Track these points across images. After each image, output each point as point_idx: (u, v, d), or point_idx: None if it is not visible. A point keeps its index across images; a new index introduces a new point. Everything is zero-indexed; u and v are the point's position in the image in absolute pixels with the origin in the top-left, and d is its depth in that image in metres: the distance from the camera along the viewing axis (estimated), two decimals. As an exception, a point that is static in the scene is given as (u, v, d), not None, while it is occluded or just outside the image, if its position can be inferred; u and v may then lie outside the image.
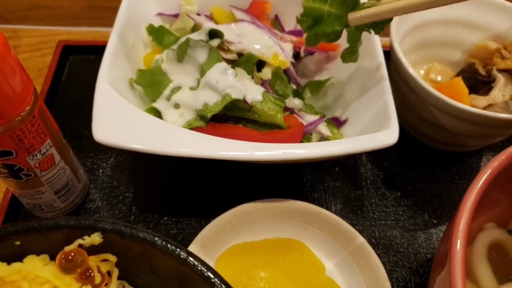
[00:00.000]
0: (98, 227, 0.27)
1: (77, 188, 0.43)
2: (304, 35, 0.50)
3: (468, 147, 0.49)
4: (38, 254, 0.28)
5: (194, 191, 0.46)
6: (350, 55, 0.41)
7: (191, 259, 0.26)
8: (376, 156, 0.49)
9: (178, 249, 0.26)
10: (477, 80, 0.47)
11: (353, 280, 0.39)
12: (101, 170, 0.47)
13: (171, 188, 0.46)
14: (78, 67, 0.56)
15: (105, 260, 0.28)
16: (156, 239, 0.26)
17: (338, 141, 0.36)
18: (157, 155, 0.46)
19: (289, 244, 0.40)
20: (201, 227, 0.39)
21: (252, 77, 0.44)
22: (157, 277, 0.29)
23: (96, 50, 0.55)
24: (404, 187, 0.47)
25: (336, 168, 0.48)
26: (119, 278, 0.29)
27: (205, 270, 0.25)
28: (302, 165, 0.48)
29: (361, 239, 0.39)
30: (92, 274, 0.27)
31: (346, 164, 0.48)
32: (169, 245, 0.26)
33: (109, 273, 0.29)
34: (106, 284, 0.29)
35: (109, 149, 0.49)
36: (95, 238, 0.27)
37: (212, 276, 0.25)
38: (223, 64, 0.41)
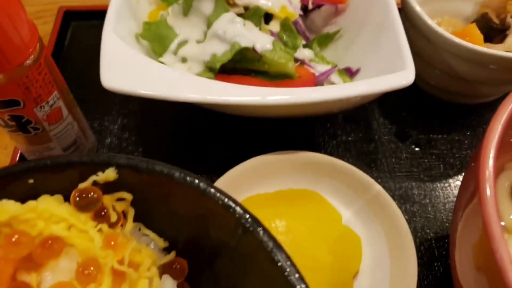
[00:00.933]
0: (112, 163, 0.26)
1: (85, 147, 0.42)
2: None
3: (482, 97, 0.48)
4: (52, 194, 0.27)
5: (205, 147, 0.45)
6: None
7: (211, 189, 0.25)
8: (388, 110, 0.48)
9: (197, 180, 0.25)
10: (491, 29, 0.46)
11: (371, 228, 0.38)
12: (108, 132, 0.46)
13: (181, 146, 0.45)
14: (80, 32, 0.55)
15: (120, 200, 0.28)
16: (173, 171, 0.25)
17: (352, 83, 0.35)
18: (166, 109, 0.45)
19: (304, 195, 0.39)
20: (212, 183, 0.38)
21: (260, 29, 0.43)
22: (174, 217, 0.28)
23: (99, 15, 0.53)
24: (418, 141, 0.47)
25: (348, 124, 0.47)
26: (134, 220, 0.28)
27: (226, 199, 0.24)
28: (313, 121, 0.47)
29: (377, 187, 0.38)
30: (108, 212, 0.27)
31: (358, 119, 0.48)
32: (188, 177, 0.25)
33: (124, 216, 0.28)
34: (122, 226, 0.28)
35: (116, 110, 0.48)
36: (110, 174, 0.26)
37: (233, 204, 0.24)
38: (231, 14, 0.40)
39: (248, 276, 0.26)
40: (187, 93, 0.34)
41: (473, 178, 0.29)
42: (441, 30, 0.41)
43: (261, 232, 0.24)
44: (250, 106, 0.35)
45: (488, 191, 0.27)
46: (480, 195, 0.27)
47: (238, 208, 0.24)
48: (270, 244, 0.23)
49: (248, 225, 0.24)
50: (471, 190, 0.30)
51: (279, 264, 0.23)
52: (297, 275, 0.22)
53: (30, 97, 0.33)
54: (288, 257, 0.23)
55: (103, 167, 0.26)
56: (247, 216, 0.24)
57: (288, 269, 0.23)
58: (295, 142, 0.46)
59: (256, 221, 0.24)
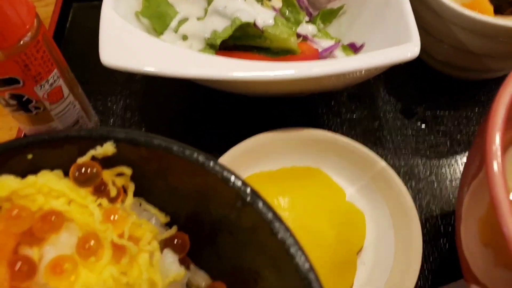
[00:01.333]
0: (110, 136, 0.25)
1: (88, 127, 0.42)
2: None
3: (491, 72, 0.47)
4: (51, 169, 0.27)
5: (207, 126, 0.45)
6: None
7: (210, 162, 0.24)
8: (394, 87, 0.47)
9: (195, 153, 0.25)
10: (502, 0, 0.44)
11: (375, 204, 0.37)
12: (111, 112, 0.46)
13: (183, 126, 0.45)
14: (81, 14, 0.55)
15: (120, 175, 0.27)
16: (172, 144, 0.25)
17: (356, 56, 0.35)
18: (168, 89, 0.45)
19: (307, 172, 0.39)
20: (216, 160, 0.38)
21: (262, 5, 0.42)
22: (174, 192, 0.28)
23: (100, -4, 0.53)
24: (424, 117, 0.46)
25: (353, 101, 0.46)
26: (135, 196, 0.28)
27: (225, 172, 0.24)
28: (317, 98, 0.46)
29: (382, 163, 0.38)
30: (107, 187, 0.27)
31: (363, 96, 0.47)
32: (186, 150, 0.25)
33: (124, 191, 0.28)
34: (122, 201, 0.28)
35: (119, 91, 0.48)
36: (108, 148, 0.26)
37: (232, 177, 0.24)
38: (231, -11, 0.39)
39: (249, 249, 0.26)
40: (189, 70, 0.33)
41: (479, 152, 0.29)
42: (449, 2, 0.39)
43: (260, 204, 0.23)
44: (254, 82, 0.34)
45: (495, 166, 0.26)
46: (487, 169, 0.26)
47: (237, 181, 0.24)
48: (269, 216, 0.23)
49: (247, 197, 0.24)
50: (477, 165, 0.30)
51: (279, 236, 0.23)
52: (296, 247, 0.22)
53: (29, 75, 0.33)
54: (288, 229, 0.23)
55: (101, 141, 0.26)
56: (246, 188, 0.24)
57: (287, 241, 0.22)
58: (299, 120, 0.45)
59: (255, 194, 0.24)
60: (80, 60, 0.50)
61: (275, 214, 0.23)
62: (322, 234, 0.36)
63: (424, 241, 0.35)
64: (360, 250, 0.36)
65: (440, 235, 0.39)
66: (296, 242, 0.22)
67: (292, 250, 0.22)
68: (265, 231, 0.23)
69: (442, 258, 0.38)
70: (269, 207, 0.23)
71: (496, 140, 0.25)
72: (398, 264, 0.34)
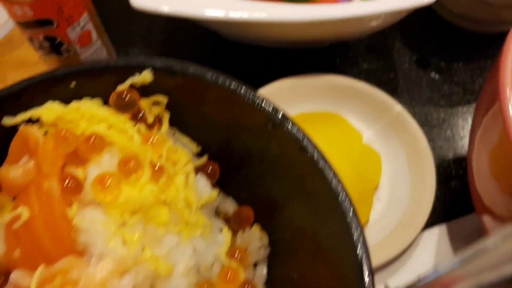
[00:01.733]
0: (148, 65, 0.27)
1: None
2: None
3: (506, 24, 0.47)
4: (92, 98, 0.28)
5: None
6: None
7: (242, 88, 0.26)
8: (410, 39, 0.48)
9: (228, 80, 0.26)
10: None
11: (392, 146, 0.39)
12: (134, 63, 0.47)
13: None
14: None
15: (156, 105, 0.29)
16: (206, 72, 0.27)
17: (374, 1, 0.36)
18: (188, 40, 0.46)
19: (326, 117, 0.40)
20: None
21: (282, -46, 0.43)
22: (207, 122, 0.30)
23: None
24: (438, 68, 0.47)
25: (369, 53, 0.48)
26: (169, 125, 0.30)
27: (256, 97, 0.26)
28: (335, 49, 0.47)
29: (398, 107, 0.39)
30: (144, 115, 0.28)
31: (379, 48, 0.48)
32: (220, 78, 0.27)
33: (159, 122, 0.30)
34: (158, 130, 0.30)
35: (140, 42, 0.49)
36: (146, 76, 0.27)
37: (263, 101, 0.26)
38: None
39: (277, 173, 0.28)
40: (213, 11, 0.34)
41: (492, 87, 0.30)
42: (466, -51, 0.40)
43: (290, 124, 0.25)
44: (275, 24, 0.35)
45: (508, 93, 0.28)
46: (501, 94, 0.28)
47: (268, 105, 0.26)
48: (299, 135, 0.25)
49: (277, 119, 0.25)
50: (488, 103, 0.31)
51: (308, 152, 0.24)
52: (324, 160, 0.24)
53: (62, 17, 0.34)
54: (316, 146, 0.24)
55: (139, 70, 0.27)
56: (277, 111, 0.25)
57: (315, 156, 0.24)
58: (317, 70, 0.46)
59: (285, 115, 0.25)
60: (102, 11, 0.51)
61: (304, 133, 0.25)
62: (339, 172, 0.37)
63: (436, 183, 0.37)
64: (376, 188, 0.38)
65: (452, 177, 0.41)
66: (324, 157, 0.24)
67: (321, 164, 0.24)
68: (294, 149, 0.25)
69: (453, 198, 0.40)
70: (299, 127, 0.25)
71: (509, 65, 0.27)
72: (412, 200, 0.36)
